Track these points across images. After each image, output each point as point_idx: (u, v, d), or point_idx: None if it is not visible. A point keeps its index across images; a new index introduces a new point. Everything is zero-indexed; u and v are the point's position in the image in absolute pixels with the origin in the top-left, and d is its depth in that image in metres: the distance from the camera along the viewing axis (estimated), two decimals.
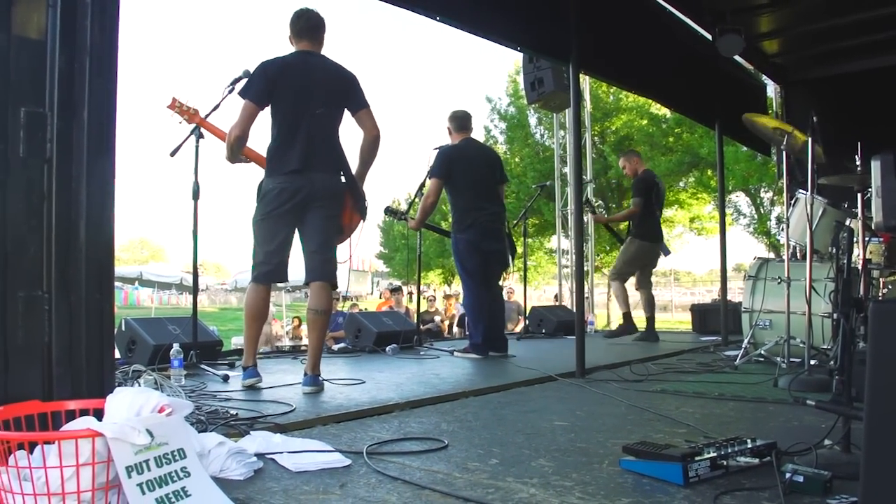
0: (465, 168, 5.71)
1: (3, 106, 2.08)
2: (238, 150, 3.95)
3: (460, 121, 5.95)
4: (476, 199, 5.76)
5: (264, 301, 3.98)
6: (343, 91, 4.01)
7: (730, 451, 2.18)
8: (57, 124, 2.18)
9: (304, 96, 3.85)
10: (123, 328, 4.77)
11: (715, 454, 2.14)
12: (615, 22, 5.75)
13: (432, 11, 4.25)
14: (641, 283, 7.80)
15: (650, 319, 7.69)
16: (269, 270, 3.88)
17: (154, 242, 77.20)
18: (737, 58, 7.51)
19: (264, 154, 3.97)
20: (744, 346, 5.22)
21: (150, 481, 1.74)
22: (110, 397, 1.98)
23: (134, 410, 1.91)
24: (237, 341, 12.91)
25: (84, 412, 2.02)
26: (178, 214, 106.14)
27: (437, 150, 5.81)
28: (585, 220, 9.48)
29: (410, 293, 13.33)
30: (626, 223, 7.98)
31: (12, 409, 1.94)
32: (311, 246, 3.94)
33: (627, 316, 7.73)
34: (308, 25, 3.99)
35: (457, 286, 27.99)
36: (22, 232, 2.12)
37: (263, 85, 3.80)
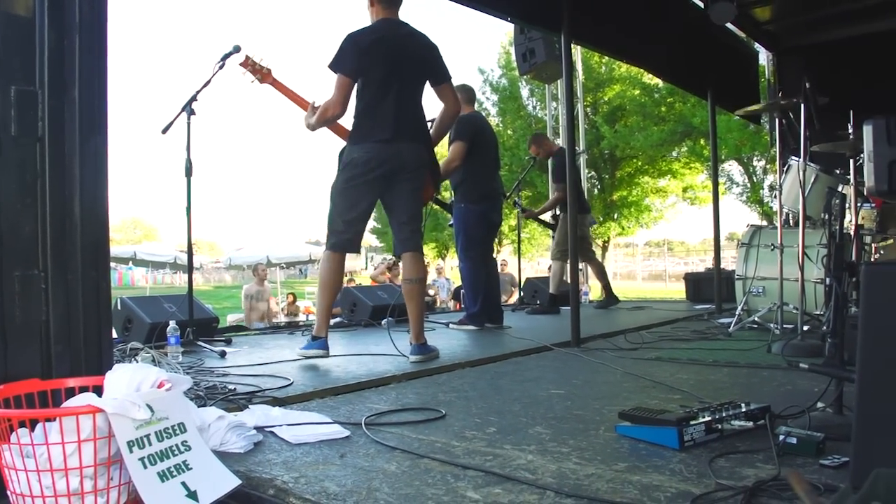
0: (483, 139, 5.75)
1: None
2: (330, 125, 4.01)
3: (471, 93, 6.03)
4: (489, 171, 5.84)
5: (338, 271, 3.99)
6: (429, 62, 4.05)
7: (724, 414, 2.20)
8: (48, 102, 2.17)
9: (395, 67, 3.86)
10: (119, 307, 4.78)
11: (710, 418, 2.16)
12: None
13: None
14: (584, 254, 7.96)
15: (606, 286, 8.04)
16: (347, 239, 3.92)
17: (147, 222, 76.89)
18: (728, 25, 7.46)
19: (343, 125, 4.03)
20: (737, 313, 5.25)
21: (152, 455, 1.76)
22: (109, 374, 1.99)
23: (133, 386, 1.92)
24: (232, 319, 12.98)
25: (84, 389, 2.04)
26: (170, 193, 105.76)
27: (460, 117, 5.78)
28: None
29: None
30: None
31: (12, 387, 1.95)
32: (401, 217, 4.02)
33: (554, 297, 7.72)
34: None
35: (451, 259, 27.99)
36: (16, 211, 2.12)
37: (357, 57, 3.80)
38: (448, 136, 5.73)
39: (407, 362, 3.87)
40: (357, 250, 4.02)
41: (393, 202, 4.02)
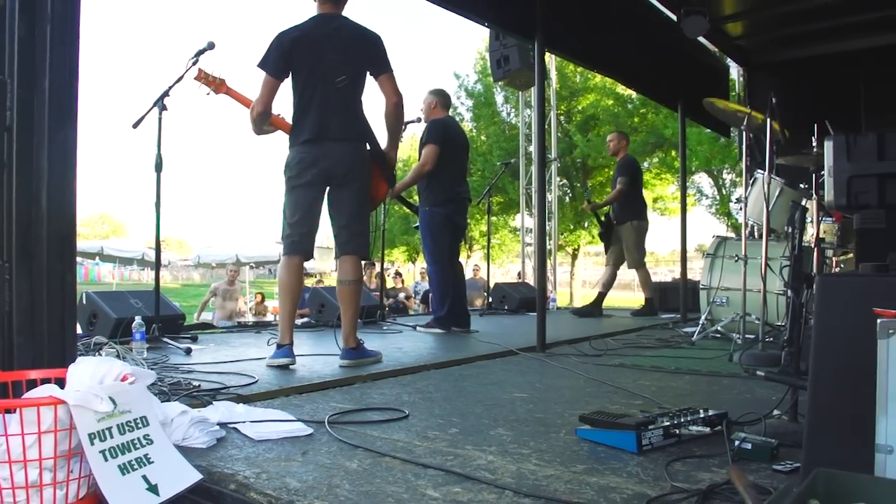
0: (453, 143, 5.81)
1: None
2: (262, 124, 3.89)
3: (447, 98, 6.08)
4: (455, 175, 5.87)
5: (295, 275, 3.87)
6: (365, 55, 3.92)
7: (682, 420, 2.25)
8: (17, 92, 2.16)
9: (322, 65, 3.78)
10: (85, 301, 4.74)
11: (668, 423, 2.21)
12: (581, 0, 5.77)
13: None
14: (638, 263, 7.97)
15: (649, 299, 8.03)
16: (293, 241, 3.83)
17: (115, 217, 75.91)
18: (701, 39, 7.57)
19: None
20: (701, 322, 5.33)
21: (113, 448, 1.76)
22: (72, 366, 1.98)
23: (97, 379, 1.91)
24: (200, 316, 12.88)
25: (46, 381, 2.02)
26: (139, 189, 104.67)
27: (431, 121, 5.86)
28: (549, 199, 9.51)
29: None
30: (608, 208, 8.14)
31: None
32: (340, 221, 3.93)
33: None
34: None
35: (422, 263, 27.97)
36: None
37: (280, 56, 3.74)
38: (420, 140, 5.79)
39: (376, 364, 3.88)
40: (306, 252, 3.89)
41: (333, 205, 3.93)
